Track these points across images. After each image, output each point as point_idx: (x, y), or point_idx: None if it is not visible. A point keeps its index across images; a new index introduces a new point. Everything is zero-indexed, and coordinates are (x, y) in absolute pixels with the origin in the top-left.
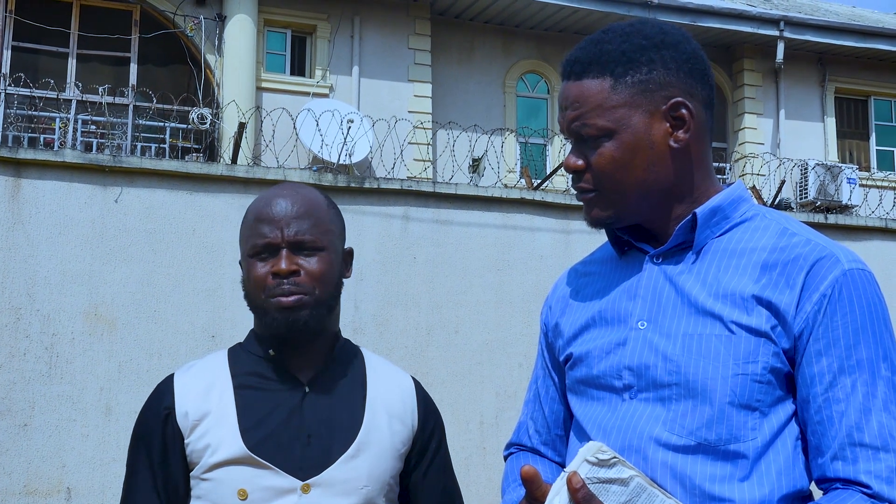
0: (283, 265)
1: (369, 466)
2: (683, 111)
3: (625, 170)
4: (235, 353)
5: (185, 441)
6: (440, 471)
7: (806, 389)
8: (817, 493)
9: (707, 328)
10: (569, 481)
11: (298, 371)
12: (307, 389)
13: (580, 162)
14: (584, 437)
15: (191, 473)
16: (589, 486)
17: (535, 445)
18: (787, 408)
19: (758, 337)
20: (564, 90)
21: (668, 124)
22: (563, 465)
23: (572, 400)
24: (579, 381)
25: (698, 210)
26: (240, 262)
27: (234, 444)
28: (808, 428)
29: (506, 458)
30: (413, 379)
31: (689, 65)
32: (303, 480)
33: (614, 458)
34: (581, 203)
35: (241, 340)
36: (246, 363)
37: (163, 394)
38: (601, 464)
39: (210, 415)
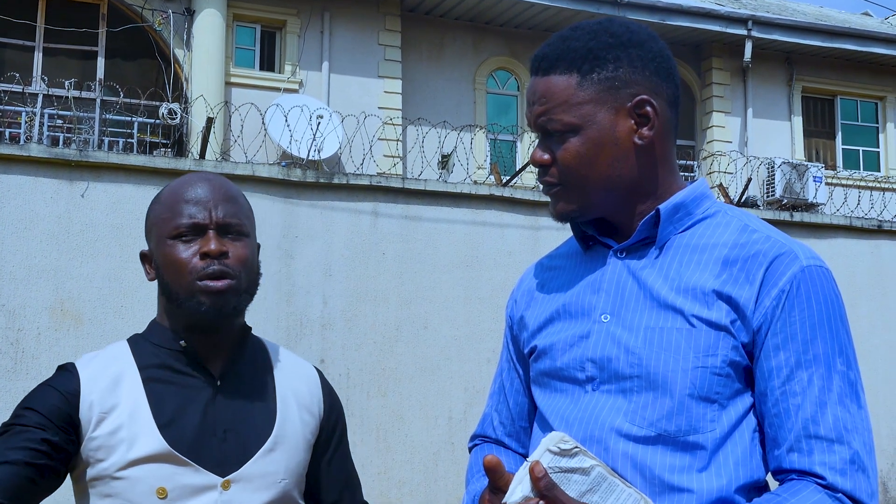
0: (213, 246)
1: (286, 459)
2: (648, 109)
3: (589, 165)
4: (139, 345)
5: (87, 434)
6: (343, 459)
7: (764, 383)
8: (774, 485)
9: (668, 321)
10: (531, 470)
11: (209, 363)
12: (219, 382)
13: (546, 156)
14: (548, 429)
15: (89, 471)
16: (551, 476)
17: (500, 437)
18: (746, 400)
19: (717, 331)
20: (532, 85)
21: (632, 121)
22: (526, 457)
23: (536, 392)
24: (543, 374)
25: (661, 206)
26: (144, 253)
27: (152, 440)
28: (765, 420)
29: (470, 449)
30: (315, 368)
31: (654, 63)
32: (222, 477)
33: (576, 447)
34: (547, 200)
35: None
36: (152, 355)
37: (66, 378)
38: (563, 453)
39: (119, 408)
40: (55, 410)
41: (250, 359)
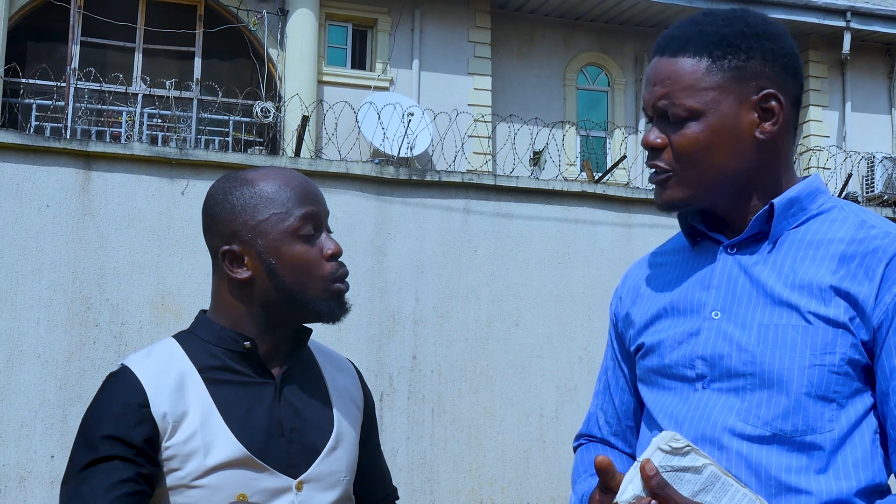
0: (336, 246)
1: (346, 456)
2: (774, 103)
3: (706, 153)
4: (190, 344)
5: (164, 444)
6: (377, 448)
7: (885, 382)
8: None
9: (783, 318)
10: (642, 469)
11: (270, 363)
12: (278, 381)
13: (661, 139)
14: (656, 428)
15: (167, 480)
16: (662, 475)
17: (605, 436)
18: (866, 400)
19: (836, 328)
20: (656, 65)
21: (756, 115)
22: (633, 456)
23: (643, 390)
24: (651, 371)
25: (776, 200)
26: (232, 250)
27: (229, 445)
28: (886, 421)
29: (575, 449)
30: (348, 360)
31: (785, 60)
32: (294, 478)
33: (687, 446)
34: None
35: (187, 329)
36: (209, 355)
37: (129, 389)
38: (675, 452)
39: (190, 414)
40: (135, 434)
41: (301, 357)
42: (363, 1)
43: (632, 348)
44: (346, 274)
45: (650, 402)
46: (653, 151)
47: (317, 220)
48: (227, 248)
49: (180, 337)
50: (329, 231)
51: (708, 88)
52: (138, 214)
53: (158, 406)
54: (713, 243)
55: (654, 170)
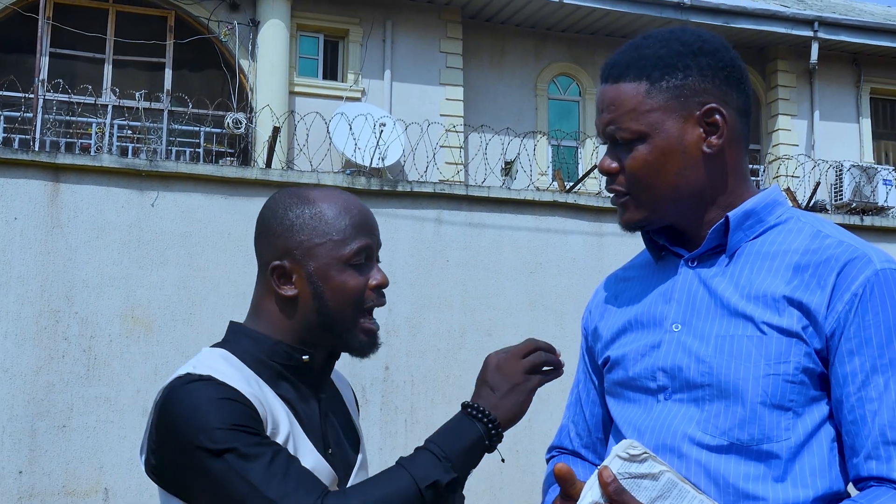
0: (383, 278)
1: (367, 472)
2: (717, 117)
3: (657, 173)
4: (248, 359)
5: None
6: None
7: (839, 389)
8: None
9: (739, 329)
10: (600, 475)
11: (320, 380)
12: (322, 398)
13: (614, 164)
14: (621, 438)
15: None
16: (620, 481)
17: (577, 448)
18: (822, 408)
19: (789, 337)
20: (602, 93)
21: (701, 130)
22: None
23: (610, 402)
24: (616, 384)
25: (731, 213)
26: (283, 266)
27: (312, 456)
28: (842, 428)
29: (547, 461)
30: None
31: (725, 72)
32: None
33: (645, 453)
34: (614, 206)
35: (224, 341)
36: (264, 366)
37: (231, 391)
38: (632, 459)
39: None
40: (258, 422)
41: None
42: (335, 12)
43: (600, 362)
44: (383, 303)
45: (616, 414)
46: (609, 176)
47: (370, 251)
48: (277, 263)
49: (228, 348)
50: (378, 261)
51: (650, 110)
52: (108, 227)
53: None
54: (675, 257)
55: (612, 193)
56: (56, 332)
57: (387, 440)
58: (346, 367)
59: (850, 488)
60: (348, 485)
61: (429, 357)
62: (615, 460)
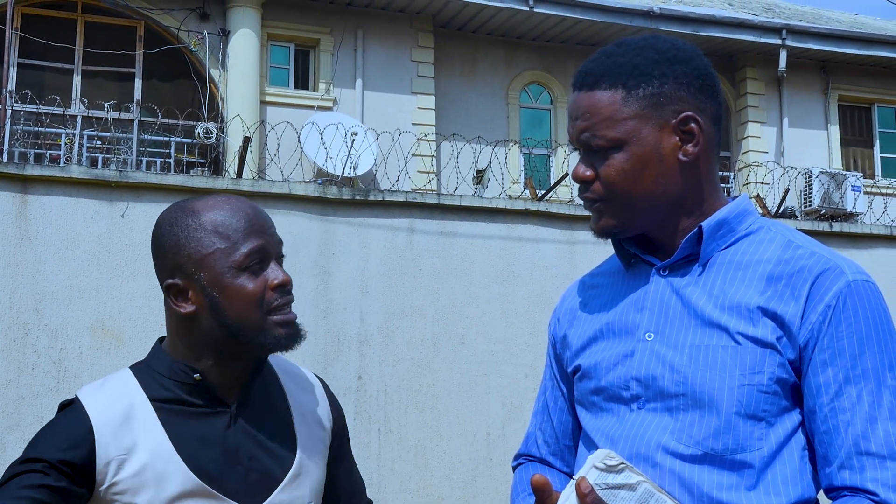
0: (284, 276)
1: (311, 481)
2: (693, 125)
3: (633, 181)
4: (145, 375)
5: (108, 479)
6: (350, 465)
7: (812, 399)
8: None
9: (713, 339)
10: (577, 486)
11: (224, 393)
12: (234, 410)
13: (589, 172)
14: (593, 448)
15: None
16: (598, 492)
17: (544, 456)
18: (794, 418)
19: (763, 348)
20: (576, 100)
21: (677, 138)
22: (570, 475)
23: (581, 412)
24: (588, 393)
25: (704, 223)
26: (176, 284)
27: (182, 477)
28: (815, 438)
29: (514, 468)
30: (316, 376)
31: (699, 80)
32: None
33: (622, 464)
34: (586, 213)
35: (143, 359)
36: (161, 387)
37: (75, 418)
38: (609, 469)
39: (139, 447)
40: (65, 456)
41: (261, 381)
42: (306, 21)
43: (569, 370)
44: (289, 302)
45: (587, 424)
46: (583, 184)
47: (264, 252)
48: (171, 281)
49: (136, 368)
50: (280, 259)
51: (626, 118)
52: (77, 238)
53: (102, 437)
54: (647, 265)
55: (585, 200)
56: (25, 345)
57: (360, 450)
58: None
59: (821, 496)
60: (275, 498)
61: (402, 366)
62: (592, 471)
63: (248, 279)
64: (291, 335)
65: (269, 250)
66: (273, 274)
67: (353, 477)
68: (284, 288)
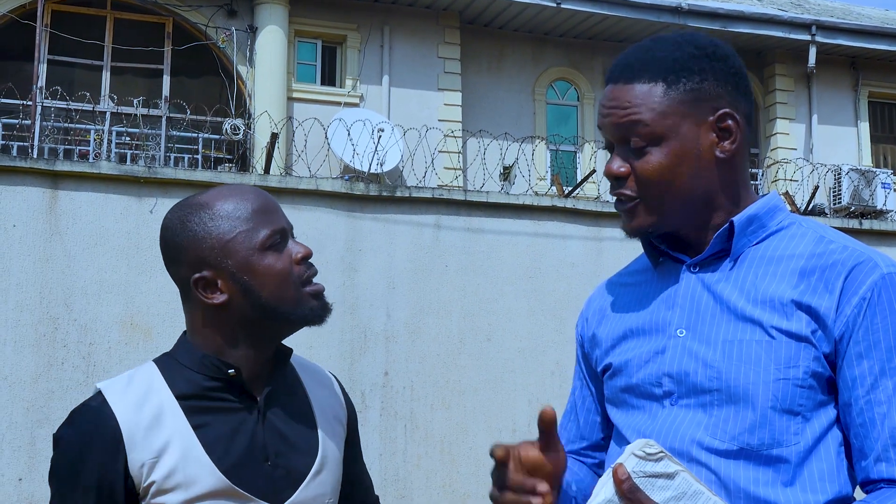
0: (305, 249)
1: (332, 478)
2: (730, 122)
3: (671, 178)
4: (170, 370)
5: (142, 482)
6: (360, 459)
7: (847, 393)
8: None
9: (747, 334)
10: (615, 473)
11: (254, 387)
12: (261, 404)
13: (624, 168)
14: (624, 444)
15: None
16: (635, 480)
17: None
18: (830, 412)
19: (798, 342)
20: (611, 93)
21: (714, 135)
22: (596, 466)
23: (612, 410)
24: (619, 391)
25: (735, 218)
26: (205, 277)
27: (211, 478)
28: (850, 431)
29: None
30: (328, 371)
31: (736, 79)
32: None
33: (661, 452)
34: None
35: (168, 352)
36: (189, 382)
37: (103, 425)
38: (648, 458)
39: (169, 449)
40: (104, 482)
41: (283, 377)
42: (332, 17)
43: (599, 369)
44: (315, 273)
45: (619, 421)
46: (616, 180)
47: (283, 231)
48: (198, 275)
49: (161, 362)
50: (293, 237)
51: (666, 113)
52: (106, 234)
53: (132, 443)
54: (676, 262)
55: (619, 198)
56: (55, 339)
57: (386, 446)
58: (344, 373)
59: (857, 492)
60: (299, 496)
61: (428, 362)
62: (630, 458)
63: (274, 257)
64: (324, 306)
65: (285, 227)
66: (295, 248)
67: (363, 474)
68: (307, 260)
